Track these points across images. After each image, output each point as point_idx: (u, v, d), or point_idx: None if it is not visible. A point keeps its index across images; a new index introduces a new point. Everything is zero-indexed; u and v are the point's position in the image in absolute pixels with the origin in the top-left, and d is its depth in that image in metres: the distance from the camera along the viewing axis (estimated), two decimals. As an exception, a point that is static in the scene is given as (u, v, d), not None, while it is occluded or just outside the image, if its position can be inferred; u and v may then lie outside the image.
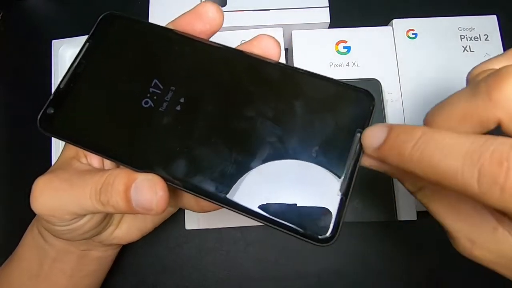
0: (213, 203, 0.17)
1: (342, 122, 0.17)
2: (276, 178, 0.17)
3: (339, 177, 0.16)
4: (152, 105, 0.18)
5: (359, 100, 0.17)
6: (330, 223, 0.16)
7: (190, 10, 0.19)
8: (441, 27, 0.34)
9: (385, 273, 0.32)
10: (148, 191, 0.17)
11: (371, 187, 0.30)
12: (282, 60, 0.32)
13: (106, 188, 0.18)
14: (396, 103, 0.32)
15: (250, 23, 0.33)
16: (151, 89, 0.18)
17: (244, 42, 0.20)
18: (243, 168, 0.17)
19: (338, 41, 0.33)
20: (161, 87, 0.18)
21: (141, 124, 0.18)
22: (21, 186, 0.36)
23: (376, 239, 0.33)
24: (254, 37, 0.19)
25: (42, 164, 0.34)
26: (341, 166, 0.16)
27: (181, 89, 0.18)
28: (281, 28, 0.33)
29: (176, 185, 0.17)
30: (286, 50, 0.36)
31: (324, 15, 0.33)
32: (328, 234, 0.16)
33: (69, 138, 0.19)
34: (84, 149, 0.19)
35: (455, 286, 0.32)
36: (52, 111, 0.19)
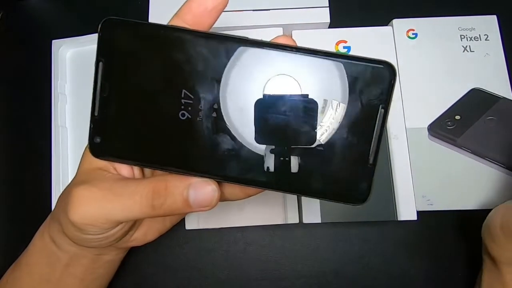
0: (263, 189, 0.19)
1: (367, 98, 0.19)
2: (315, 155, 0.19)
3: (369, 150, 0.19)
4: (189, 116, 0.19)
5: (381, 75, 0.18)
6: (365, 188, 0.19)
7: None
8: (441, 27, 0.34)
9: (385, 273, 0.32)
10: (206, 189, 0.19)
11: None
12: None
13: (158, 193, 0.19)
14: (396, 103, 0.32)
15: (250, 23, 0.33)
16: (183, 101, 0.19)
17: None
18: (285, 154, 0.19)
19: (338, 41, 0.33)
20: (191, 96, 0.19)
21: (186, 135, 0.19)
22: (21, 186, 0.36)
23: (376, 239, 0.33)
24: (272, 39, 0.21)
25: (42, 163, 0.34)
26: (369, 140, 0.19)
27: (211, 95, 0.19)
28: (281, 28, 0.33)
29: (230, 181, 0.19)
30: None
31: (324, 15, 0.33)
32: (364, 196, 0.19)
33: (123, 158, 0.20)
34: (139, 166, 0.21)
35: (455, 286, 0.32)
36: (99, 140, 0.20)
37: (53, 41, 0.35)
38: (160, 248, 0.33)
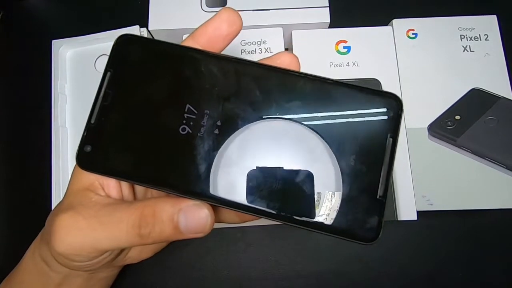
0: (261, 217, 0.18)
1: (375, 128, 0.18)
2: (320, 187, 0.18)
3: (377, 182, 0.18)
4: (190, 131, 0.18)
5: (388, 105, 0.18)
6: (375, 224, 0.17)
7: (213, 17, 0.20)
8: (441, 27, 0.34)
9: (385, 273, 0.32)
10: (199, 214, 0.18)
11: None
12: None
13: (145, 220, 0.18)
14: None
15: (250, 23, 0.33)
16: (185, 115, 0.18)
17: (264, 58, 0.20)
18: (285, 181, 0.18)
19: (338, 41, 0.33)
20: (195, 111, 0.18)
21: (184, 151, 0.18)
22: (21, 186, 0.36)
23: (376, 239, 0.33)
24: (274, 54, 0.20)
25: (42, 163, 0.34)
26: (378, 171, 0.18)
27: (216, 112, 0.18)
28: (281, 28, 0.33)
29: (226, 205, 0.18)
30: (286, 50, 0.36)
31: (324, 15, 0.33)
32: (374, 234, 0.17)
33: (113, 174, 0.19)
34: (130, 182, 0.20)
35: (455, 286, 0.32)
36: (90, 149, 0.19)
37: (53, 41, 0.35)
38: (160, 248, 0.33)
